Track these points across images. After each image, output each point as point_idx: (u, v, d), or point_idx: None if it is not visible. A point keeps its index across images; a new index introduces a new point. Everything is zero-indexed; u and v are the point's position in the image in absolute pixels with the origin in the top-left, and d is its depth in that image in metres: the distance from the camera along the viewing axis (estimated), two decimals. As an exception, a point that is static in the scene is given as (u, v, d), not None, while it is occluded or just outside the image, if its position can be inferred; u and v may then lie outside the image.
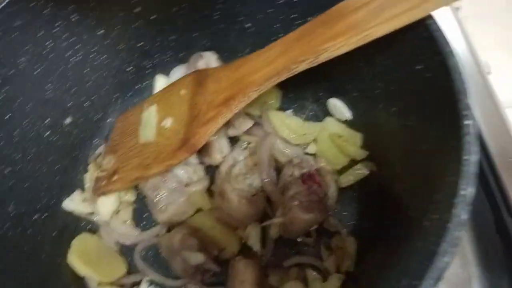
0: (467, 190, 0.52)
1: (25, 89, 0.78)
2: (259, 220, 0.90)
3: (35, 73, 0.80)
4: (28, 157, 0.82)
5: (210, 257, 0.84)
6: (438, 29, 0.57)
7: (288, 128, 0.94)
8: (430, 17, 0.58)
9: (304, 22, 0.74)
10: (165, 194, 0.88)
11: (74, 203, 0.92)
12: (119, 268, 0.88)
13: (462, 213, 0.51)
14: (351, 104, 0.94)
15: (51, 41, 0.80)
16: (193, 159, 0.93)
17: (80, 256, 0.85)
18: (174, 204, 0.88)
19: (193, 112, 0.83)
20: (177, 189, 0.88)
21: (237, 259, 0.84)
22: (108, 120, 1.01)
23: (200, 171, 0.93)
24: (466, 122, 0.56)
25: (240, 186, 0.88)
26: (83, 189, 0.95)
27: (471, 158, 0.55)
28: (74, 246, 0.87)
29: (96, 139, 0.99)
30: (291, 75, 0.69)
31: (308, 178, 0.86)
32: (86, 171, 0.96)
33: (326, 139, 0.94)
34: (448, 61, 0.56)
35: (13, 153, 0.78)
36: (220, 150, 0.93)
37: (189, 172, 0.91)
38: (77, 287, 0.84)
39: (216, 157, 0.93)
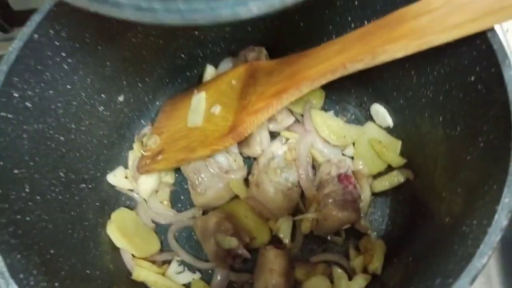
0: (510, 198, 0.54)
1: (87, 63, 0.83)
2: (292, 214, 0.92)
3: (99, 47, 0.84)
4: (82, 128, 0.86)
5: (242, 243, 0.86)
6: (498, 41, 0.59)
7: (329, 129, 0.96)
8: (491, 28, 0.59)
9: (360, 26, 0.77)
10: (205, 178, 0.91)
11: (116, 179, 0.96)
12: (153, 245, 0.92)
13: (503, 219, 0.53)
14: (394, 111, 0.95)
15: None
16: (234, 149, 0.96)
17: (118, 228, 0.89)
18: (213, 188, 0.91)
19: (243, 101, 0.86)
20: (217, 175, 0.92)
21: (267, 248, 0.86)
22: (157, 103, 1.05)
23: (240, 161, 0.96)
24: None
25: (277, 179, 0.91)
26: (126, 166, 0.99)
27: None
28: (113, 219, 0.91)
29: (143, 120, 1.03)
30: (345, 74, 0.71)
31: (345, 178, 0.88)
32: (131, 148, 1.00)
33: (365, 143, 0.96)
34: (505, 74, 0.58)
35: (69, 122, 0.82)
36: (260, 143, 0.95)
37: (229, 160, 0.94)
38: (114, 256, 0.88)
39: (256, 149, 0.95)
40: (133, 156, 0.99)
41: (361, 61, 0.66)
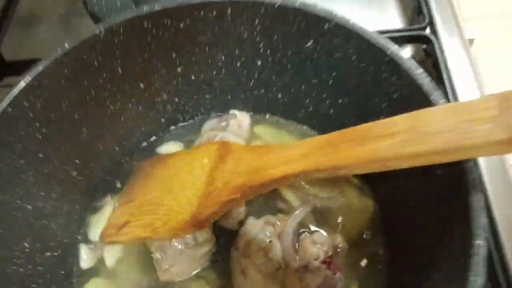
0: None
1: (62, 131, 0.83)
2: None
3: (75, 116, 0.84)
4: (53, 195, 0.85)
5: None
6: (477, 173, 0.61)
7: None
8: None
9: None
10: (170, 255, 0.88)
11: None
12: None
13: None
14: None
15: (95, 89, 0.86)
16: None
17: None
18: (177, 265, 0.88)
19: (209, 187, 0.84)
20: (182, 251, 0.89)
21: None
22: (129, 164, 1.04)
23: (206, 233, 0.92)
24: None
25: (260, 261, 0.86)
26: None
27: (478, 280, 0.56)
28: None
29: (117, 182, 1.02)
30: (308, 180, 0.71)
31: (331, 262, 0.85)
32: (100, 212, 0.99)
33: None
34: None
35: (39, 190, 0.82)
36: (236, 217, 0.93)
37: (193, 234, 0.90)
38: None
39: (230, 222, 0.93)
40: (100, 221, 0.97)
41: (323, 172, 0.67)
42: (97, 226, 0.96)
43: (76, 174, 0.90)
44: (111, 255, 0.93)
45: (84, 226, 0.96)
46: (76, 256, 0.93)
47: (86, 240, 0.95)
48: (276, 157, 0.75)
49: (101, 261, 0.93)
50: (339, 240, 0.91)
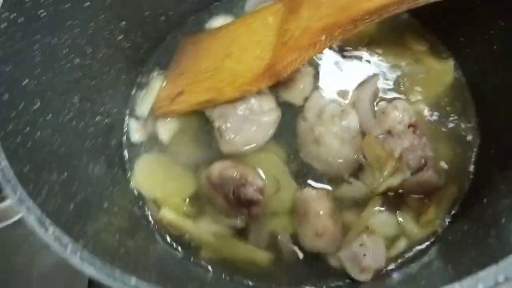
0: None
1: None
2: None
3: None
4: (99, 56, 0.76)
5: (252, 187, 0.74)
6: None
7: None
8: None
9: None
10: (234, 122, 0.79)
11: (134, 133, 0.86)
12: (185, 188, 0.80)
13: None
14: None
15: None
16: (264, 89, 0.83)
17: (143, 177, 0.80)
18: (242, 133, 0.80)
19: (282, 38, 0.76)
20: (247, 118, 0.80)
21: (305, 191, 0.76)
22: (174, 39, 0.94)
23: (272, 102, 0.84)
24: None
25: (336, 128, 0.78)
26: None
27: None
28: (136, 168, 0.82)
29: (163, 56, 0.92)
30: (412, 7, 0.63)
31: (416, 127, 0.77)
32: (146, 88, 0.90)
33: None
34: None
35: (86, 45, 0.73)
36: (302, 91, 0.84)
37: (259, 101, 0.82)
38: (135, 198, 0.79)
39: (296, 95, 0.84)
40: (147, 97, 0.88)
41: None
42: (144, 102, 0.88)
43: (121, 38, 0.81)
44: (166, 130, 0.84)
45: (131, 103, 0.88)
46: (126, 130, 0.85)
47: (135, 115, 0.87)
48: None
49: (152, 136, 0.85)
50: (422, 107, 0.83)
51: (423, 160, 0.75)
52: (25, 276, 0.91)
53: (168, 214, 0.76)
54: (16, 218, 0.96)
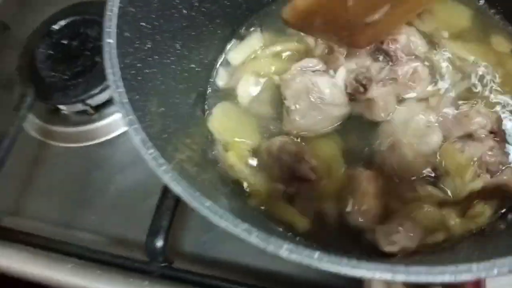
0: None
1: None
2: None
3: None
4: (203, 9, 0.84)
5: (307, 165, 0.81)
6: None
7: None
8: None
9: None
10: (304, 106, 0.83)
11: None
12: (253, 139, 0.88)
13: None
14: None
15: None
16: (341, 81, 0.86)
17: (219, 121, 0.89)
18: (308, 118, 0.84)
19: None
20: (317, 105, 0.83)
21: (360, 171, 0.81)
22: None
23: (344, 97, 0.86)
24: None
25: (416, 141, 0.82)
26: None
27: None
28: (214, 112, 0.91)
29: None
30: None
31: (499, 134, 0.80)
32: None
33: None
34: None
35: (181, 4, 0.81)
36: (385, 109, 0.85)
37: (333, 92, 0.84)
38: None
39: (377, 114, 0.85)
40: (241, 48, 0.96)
41: None
42: (238, 51, 0.96)
43: (224, -5, 0.89)
44: (245, 92, 0.92)
45: (224, 55, 0.97)
46: (213, 78, 0.95)
47: (226, 64, 0.96)
48: None
49: (234, 88, 0.93)
50: (498, 111, 0.85)
51: (501, 166, 0.79)
52: (103, 190, 1.06)
53: (232, 157, 0.85)
54: (102, 139, 1.11)
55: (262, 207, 0.82)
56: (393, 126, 0.84)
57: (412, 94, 0.87)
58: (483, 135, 0.79)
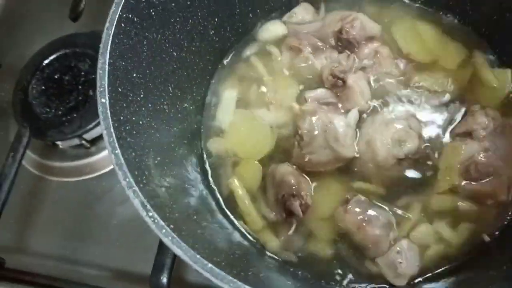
0: None
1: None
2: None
3: None
4: (193, 49, 0.86)
5: (300, 202, 0.81)
6: None
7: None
8: None
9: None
10: (315, 143, 0.83)
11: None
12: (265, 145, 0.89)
13: None
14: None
15: None
16: (353, 122, 0.86)
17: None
18: (317, 155, 0.84)
19: None
20: (328, 145, 0.83)
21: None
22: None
23: (354, 139, 0.86)
24: None
25: (390, 143, 0.83)
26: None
27: None
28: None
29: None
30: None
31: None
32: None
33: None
34: None
35: (183, 39, 0.83)
36: (362, 93, 0.87)
37: (347, 133, 0.85)
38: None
39: (356, 101, 0.87)
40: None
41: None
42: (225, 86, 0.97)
43: (212, 33, 0.90)
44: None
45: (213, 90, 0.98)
46: (206, 113, 0.95)
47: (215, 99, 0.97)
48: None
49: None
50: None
51: (491, 169, 0.80)
52: (105, 224, 1.06)
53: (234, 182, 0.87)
54: (100, 172, 1.12)
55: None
56: (375, 126, 0.85)
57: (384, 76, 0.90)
58: (481, 136, 0.81)
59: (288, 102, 0.91)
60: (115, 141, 0.59)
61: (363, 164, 0.85)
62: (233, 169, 0.90)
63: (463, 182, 0.81)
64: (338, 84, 0.87)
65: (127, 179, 0.57)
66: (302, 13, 0.99)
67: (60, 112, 1.12)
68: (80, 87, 1.14)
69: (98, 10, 1.16)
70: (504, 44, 0.90)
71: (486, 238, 0.80)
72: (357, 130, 0.87)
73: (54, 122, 1.11)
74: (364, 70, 0.90)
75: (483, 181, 0.81)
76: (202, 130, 0.94)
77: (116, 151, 0.58)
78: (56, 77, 1.16)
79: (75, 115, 1.10)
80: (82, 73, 1.15)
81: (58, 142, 1.13)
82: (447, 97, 0.89)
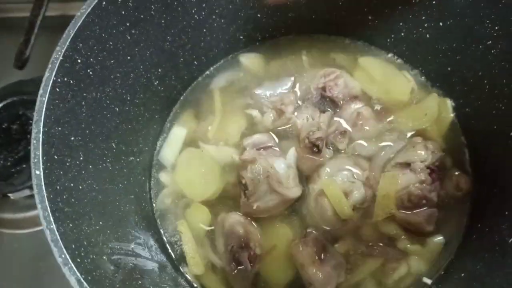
0: None
1: (149, 35, 0.81)
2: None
3: (162, 21, 0.82)
4: (136, 101, 0.85)
5: (249, 254, 0.82)
6: None
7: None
8: None
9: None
10: (260, 191, 0.83)
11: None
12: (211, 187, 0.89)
13: None
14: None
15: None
16: (293, 162, 0.88)
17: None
18: (263, 202, 0.84)
19: None
20: (274, 191, 0.83)
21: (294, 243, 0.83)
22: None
23: (297, 179, 0.88)
24: None
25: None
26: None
27: None
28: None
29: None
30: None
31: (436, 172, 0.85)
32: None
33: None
34: None
35: (125, 93, 0.82)
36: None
37: (289, 174, 0.86)
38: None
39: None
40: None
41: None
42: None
43: (157, 83, 0.89)
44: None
45: (162, 138, 0.98)
46: (154, 164, 0.95)
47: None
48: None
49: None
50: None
51: (424, 201, 0.83)
52: (59, 276, 1.03)
53: (183, 226, 0.88)
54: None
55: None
56: (321, 179, 0.86)
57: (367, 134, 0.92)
58: (419, 169, 0.84)
59: (233, 140, 0.92)
60: (50, 215, 0.58)
61: (312, 217, 0.86)
62: (183, 212, 0.90)
63: (398, 211, 0.84)
64: (314, 151, 0.87)
65: (63, 255, 0.56)
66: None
67: (9, 163, 1.09)
68: (29, 136, 1.10)
69: (45, 55, 1.15)
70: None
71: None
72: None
73: (2, 174, 1.07)
74: (343, 135, 0.91)
75: (415, 211, 0.84)
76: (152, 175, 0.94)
77: (51, 226, 0.57)
78: (3, 126, 1.14)
79: (24, 165, 1.08)
80: (30, 121, 1.12)
81: (9, 194, 1.10)
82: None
